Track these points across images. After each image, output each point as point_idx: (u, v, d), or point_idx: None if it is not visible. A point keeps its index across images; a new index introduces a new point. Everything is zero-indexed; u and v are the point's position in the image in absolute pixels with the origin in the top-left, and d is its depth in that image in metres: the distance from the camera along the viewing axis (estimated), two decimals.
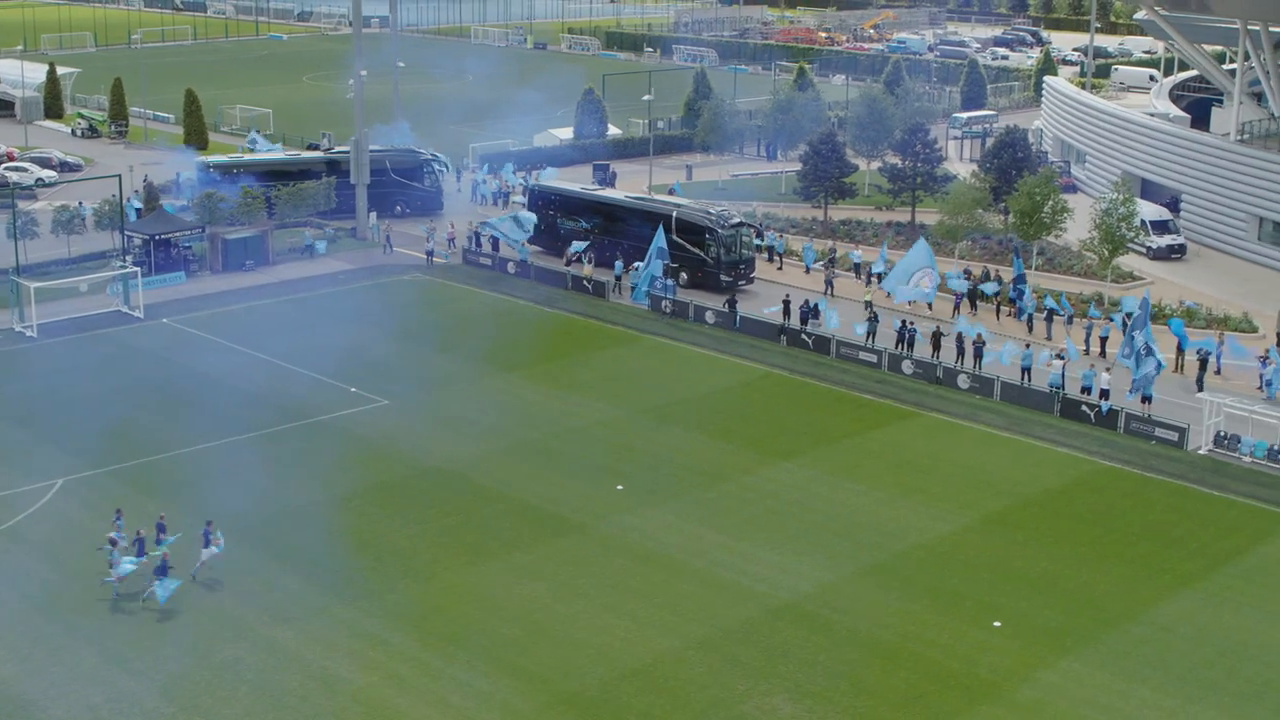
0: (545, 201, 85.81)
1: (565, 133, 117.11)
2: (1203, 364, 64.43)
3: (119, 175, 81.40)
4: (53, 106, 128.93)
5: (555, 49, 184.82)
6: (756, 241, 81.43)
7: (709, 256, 77.71)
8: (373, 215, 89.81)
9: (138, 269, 74.67)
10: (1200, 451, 57.25)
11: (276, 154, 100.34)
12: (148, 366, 65.63)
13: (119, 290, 73.93)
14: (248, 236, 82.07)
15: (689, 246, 78.06)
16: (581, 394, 63.23)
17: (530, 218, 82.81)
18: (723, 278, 77.27)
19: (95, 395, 61.51)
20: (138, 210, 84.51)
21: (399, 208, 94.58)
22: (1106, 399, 60.40)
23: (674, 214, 78.96)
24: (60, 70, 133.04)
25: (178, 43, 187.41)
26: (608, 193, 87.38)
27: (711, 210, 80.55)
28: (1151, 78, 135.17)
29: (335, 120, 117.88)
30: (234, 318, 72.98)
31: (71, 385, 62.85)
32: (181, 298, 75.76)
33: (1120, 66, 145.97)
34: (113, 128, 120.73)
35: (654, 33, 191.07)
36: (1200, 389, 62.24)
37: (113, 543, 44.91)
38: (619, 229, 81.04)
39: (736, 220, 79.50)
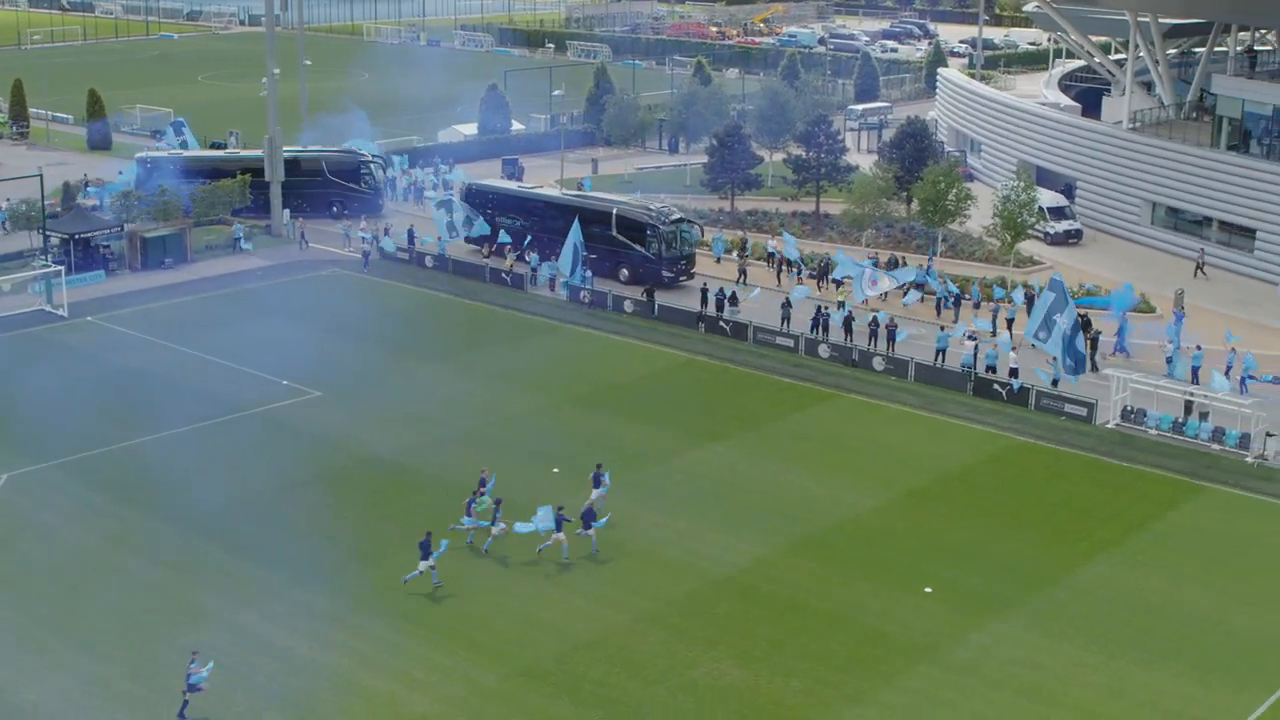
0: (481, 200, 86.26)
1: (470, 129, 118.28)
2: (1093, 344, 67.07)
3: (39, 175, 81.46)
4: None
5: (449, 46, 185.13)
6: (697, 238, 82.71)
7: (650, 253, 79.06)
8: (286, 212, 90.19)
9: (60, 268, 74.96)
10: (1109, 425, 59.77)
11: (219, 152, 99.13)
12: (79, 363, 66.03)
13: (41, 289, 74.20)
14: (166, 234, 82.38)
15: (630, 243, 79.42)
16: (509, 383, 64.60)
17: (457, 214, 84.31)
18: (664, 274, 78.48)
19: (31, 392, 61.87)
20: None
21: (335, 209, 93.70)
22: (1016, 377, 62.93)
23: (614, 211, 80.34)
24: None
25: (68, 43, 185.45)
26: (546, 191, 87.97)
27: (652, 207, 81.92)
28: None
29: (237, 118, 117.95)
30: (158, 314, 73.49)
31: (4, 383, 63.15)
32: (103, 296, 76.04)
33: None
34: (14, 129, 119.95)
35: (546, 28, 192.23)
36: (1094, 369, 64.92)
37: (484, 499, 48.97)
38: (557, 227, 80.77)
39: (677, 216, 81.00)
